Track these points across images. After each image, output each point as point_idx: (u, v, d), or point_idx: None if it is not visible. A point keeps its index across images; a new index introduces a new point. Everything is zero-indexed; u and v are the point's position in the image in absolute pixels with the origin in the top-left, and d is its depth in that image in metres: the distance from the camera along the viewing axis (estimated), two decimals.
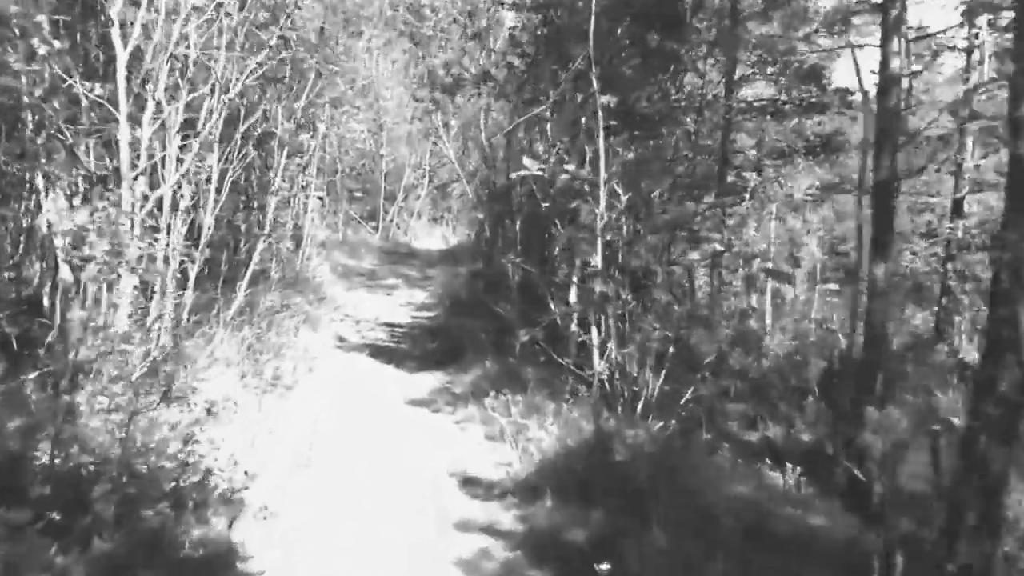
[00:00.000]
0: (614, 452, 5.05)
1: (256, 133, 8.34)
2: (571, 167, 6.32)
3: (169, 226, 6.89)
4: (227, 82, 6.66)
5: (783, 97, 13.77)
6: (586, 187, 6.49)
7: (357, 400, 7.57)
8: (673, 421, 6.46)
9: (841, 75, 60.08)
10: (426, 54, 16.47)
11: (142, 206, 5.82)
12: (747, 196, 12.56)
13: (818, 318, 22.81)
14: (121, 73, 5.52)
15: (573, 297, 7.76)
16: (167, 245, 6.83)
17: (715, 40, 11.93)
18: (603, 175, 5.49)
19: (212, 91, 6.55)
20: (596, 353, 5.31)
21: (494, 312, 10.82)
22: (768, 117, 13.82)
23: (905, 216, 15.06)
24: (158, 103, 5.96)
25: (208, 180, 7.39)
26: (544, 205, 7.21)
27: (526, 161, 6.39)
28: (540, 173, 6.33)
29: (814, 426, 6.64)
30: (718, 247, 6.09)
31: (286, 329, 9.70)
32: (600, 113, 5.54)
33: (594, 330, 5.35)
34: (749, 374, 9.03)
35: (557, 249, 10.57)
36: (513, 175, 6.17)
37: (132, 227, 5.75)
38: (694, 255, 6.50)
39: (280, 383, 7.58)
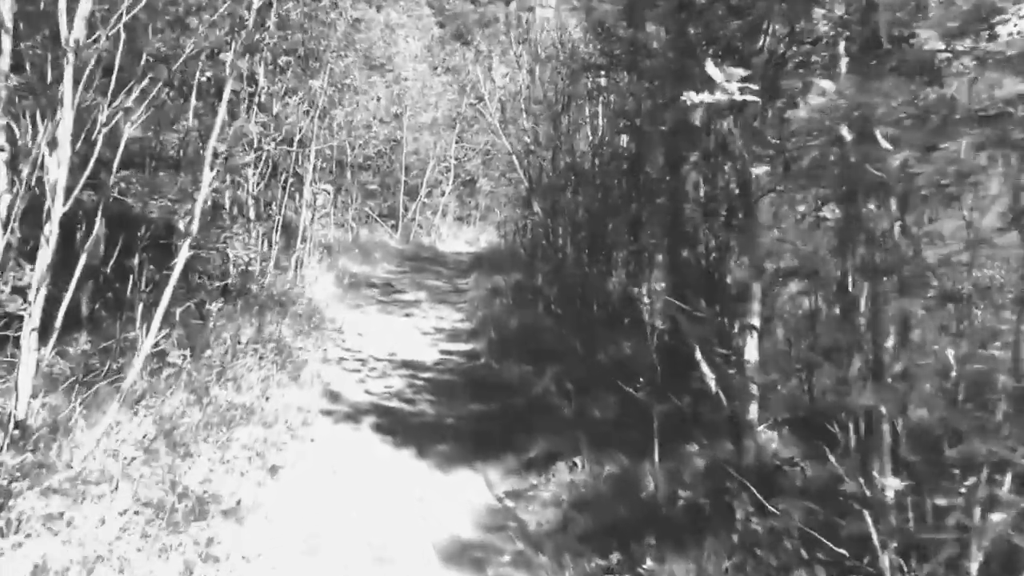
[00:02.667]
0: None
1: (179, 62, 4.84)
2: (826, 83, 2.71)
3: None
4: None
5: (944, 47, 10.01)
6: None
7: (346, 564, 3.97)
8: None
9: None
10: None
11: None
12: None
13: None
14: None
15: (753, 355, 4.09)
16: None
17: None
18: None
19: None
20: None
21: (567, 352, 7.25)
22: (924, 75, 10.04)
23: None
24: None
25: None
26: (758, 169, 3.49)
27: (713, 71, 2.77)
28: (753, 98, 2.73)
29: None
30: None
31: (248, 385, 6.18)
32: None
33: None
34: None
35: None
36: (691, 99, 2.46)
37: None
38: None
39: (206, 516, 4.01)
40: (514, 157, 10.22)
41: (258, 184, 9.54)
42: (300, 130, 10.42)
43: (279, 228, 10.36)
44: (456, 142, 25.74)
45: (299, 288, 10.03)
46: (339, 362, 7.81)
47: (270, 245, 9.86)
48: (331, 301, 10.46)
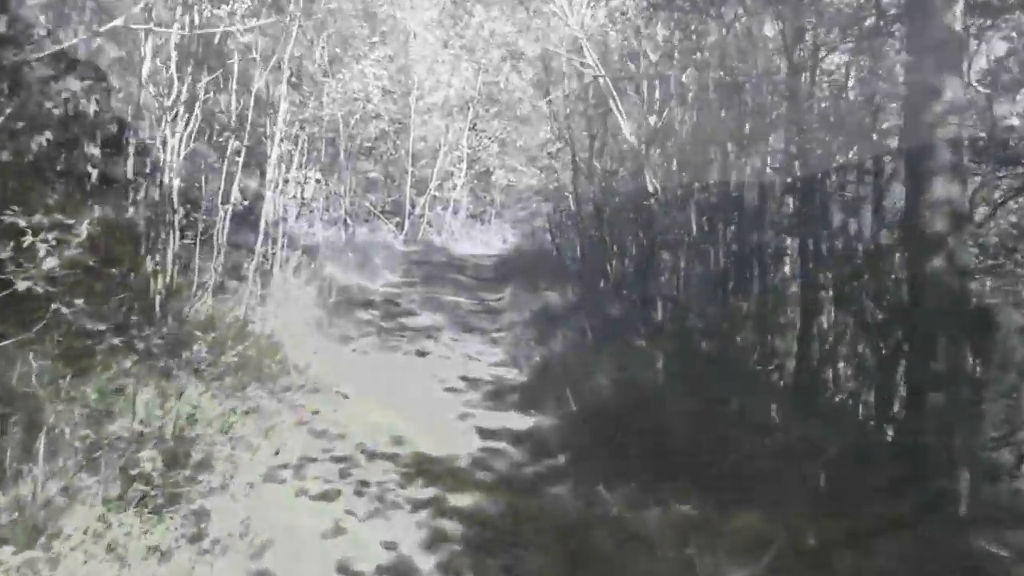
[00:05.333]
0: None
1: None
2: None
3: None
4: None
5: None
6: None
7: None
8: None
9: None
10: None
11: None
12: None
13: None
14: None
15: None
16: None
17: None
18: None
19: None
20: None
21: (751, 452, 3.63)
22: None
23: None
24: None
25: None
26: None
27: None
28: None
29: None
30: None
31: None
32: None
33: None
34: None
35: None
36: None
37: None
38: None
39: None
40: (609, 86, 6.54)
41: (184, 147, 5.93)
42: (261, 76, 6.86)
43: (227, 221, 6.77)
44: (470, 128, 22.19)
45: (255, 314, 6.41)
46: (297, 473, 4.15)
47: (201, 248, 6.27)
48: (305, 334, 6.80)
